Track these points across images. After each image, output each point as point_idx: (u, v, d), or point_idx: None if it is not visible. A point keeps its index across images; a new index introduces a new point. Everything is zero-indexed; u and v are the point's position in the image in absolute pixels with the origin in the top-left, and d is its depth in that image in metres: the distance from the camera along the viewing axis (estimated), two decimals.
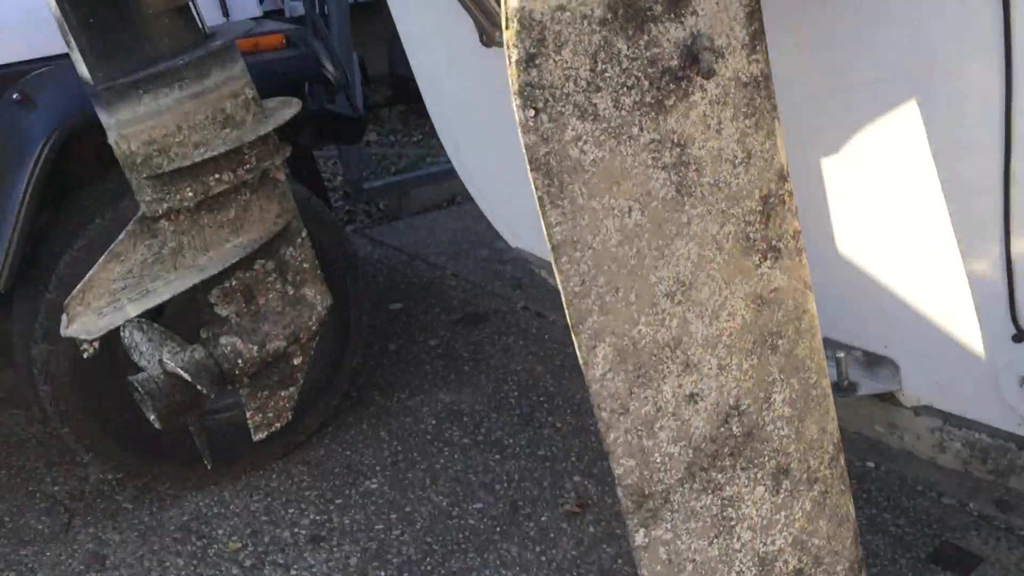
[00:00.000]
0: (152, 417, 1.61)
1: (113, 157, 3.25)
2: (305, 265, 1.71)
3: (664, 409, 1.40)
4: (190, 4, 1.59)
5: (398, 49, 8.70)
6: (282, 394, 1.71)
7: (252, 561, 2.95)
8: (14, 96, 2.74)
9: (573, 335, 1.38)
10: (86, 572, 2.91)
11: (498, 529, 3.00)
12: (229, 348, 1.64)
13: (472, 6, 1.72)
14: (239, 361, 1.65)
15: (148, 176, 1.56)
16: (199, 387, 1.56)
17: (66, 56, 2.94)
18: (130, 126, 1.54)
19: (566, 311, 1.38)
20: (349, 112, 3.71)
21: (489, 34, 1.77)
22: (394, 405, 3.71)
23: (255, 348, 1.65)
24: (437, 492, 3.19)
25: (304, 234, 1.73)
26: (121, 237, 1.56)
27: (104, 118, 1.55)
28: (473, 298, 4.55)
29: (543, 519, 3.03)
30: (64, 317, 1.54)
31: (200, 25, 1.62)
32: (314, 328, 1.71)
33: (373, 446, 3.46)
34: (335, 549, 2.96)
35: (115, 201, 2.86)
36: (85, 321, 1.53)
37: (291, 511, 3.14)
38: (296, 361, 1.72)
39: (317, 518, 3.10)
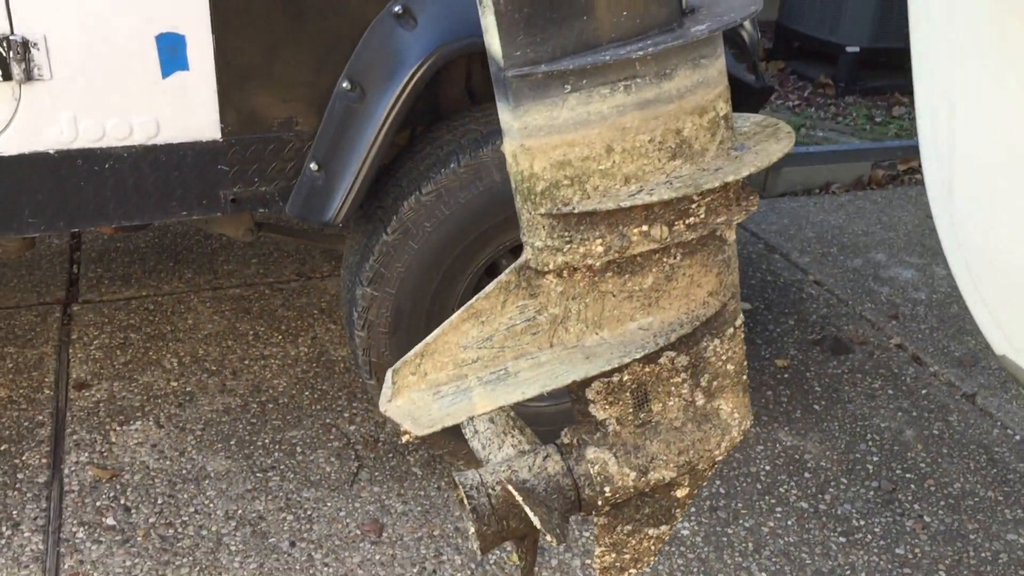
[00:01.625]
0: (472, 531, 1.17)
1: (486, 92, 2.90)
2: (729, 367, 1.16)
3: None
4: None
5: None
6: (649, 533, 1.21)
7: None
8: (395, 9, 2.40)
9: None
10: (361, 540, 2.66)
11: None
12: (597, 467, 1.15)
13: None
14: (606, 488, 1.15)
15: (548, 213, 1.07)
16: (541, 517, 1.09)
17: None
18: (540, 136, 1.04)
19: None
20: (752, 80, 3.08)
21: None
22: None
23: (632, 475, 1.15)
24: (760, 566, 2.62)
25: (739, 323, 1.18)
26: (488, 289, 1.09)
27: (505, 116, 1.07)
28: (836, 318, 3.84)
29: None
30: (389, 385, 1.11)
31: (675, 1, 1.08)
32: (719, 458, 1.19)
33: None
34: None
35: (476, 147, 2.48)
36: (415, 399, 1.08)
37: (585, 535, 2.71)
38: (680, 494, 1.20)
39: None
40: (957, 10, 1.35)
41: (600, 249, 1.06)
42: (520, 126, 1.04)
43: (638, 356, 1.08)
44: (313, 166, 2.49)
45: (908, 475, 2.98)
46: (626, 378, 1.12)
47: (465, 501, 1.16)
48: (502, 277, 1.10)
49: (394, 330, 2.57)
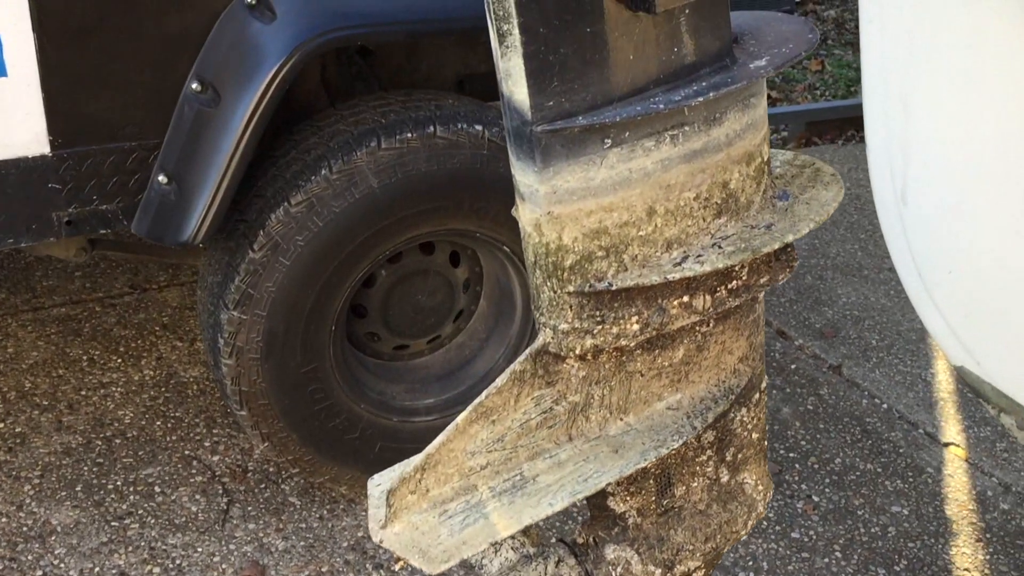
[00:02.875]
0: None
1: (343, 88, 2.66)
2: (754, 436, 1.03)
3: None
4: None
5: None
6: None
7: None
8: (247, 0, 2.13)
9: None
10: None
11: None
12: (619, 569, 0.99)
13: None
14: None
15: (577, 291, 0.89)
16: None
17: None
18: (572, 201, 0.85)
19: None
20: None
21: None
22: None
23: (658, 572, 1.00)
24: None
25: (764, 385, 1.05)
26: (500, 383, 0.90)
27: (527, 178, 0.87)
28: None
29: None
30: (381, 506, 0.91)
31: (729, 30, 0.91)
32: (742, 536, 1.06)
33: None
34: None
35: (348, 151, 2.26)
36: (418, 523, 0.87)
37: None
38: None
39: None
40: (920, 10, 1.27)
41: (636, 328, 0.89)
42: (548, 190, 0.85)
43: (676, 445, 0.93)
44: (162, 178, 2.19)
45: (792, 454, 3.00)
46: (650, 464, 0.97)
47: None
48: (515, 366, 0.91)
49: (267, 356, 2.33)
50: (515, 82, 0.84)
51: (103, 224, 2.21)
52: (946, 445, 3.07)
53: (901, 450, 3.03)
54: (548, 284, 0.91)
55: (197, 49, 2.16)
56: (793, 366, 3.44)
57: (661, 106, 0.84)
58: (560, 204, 0.86)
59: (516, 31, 0.81)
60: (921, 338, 3.59)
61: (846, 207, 4.59)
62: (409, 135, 2.28)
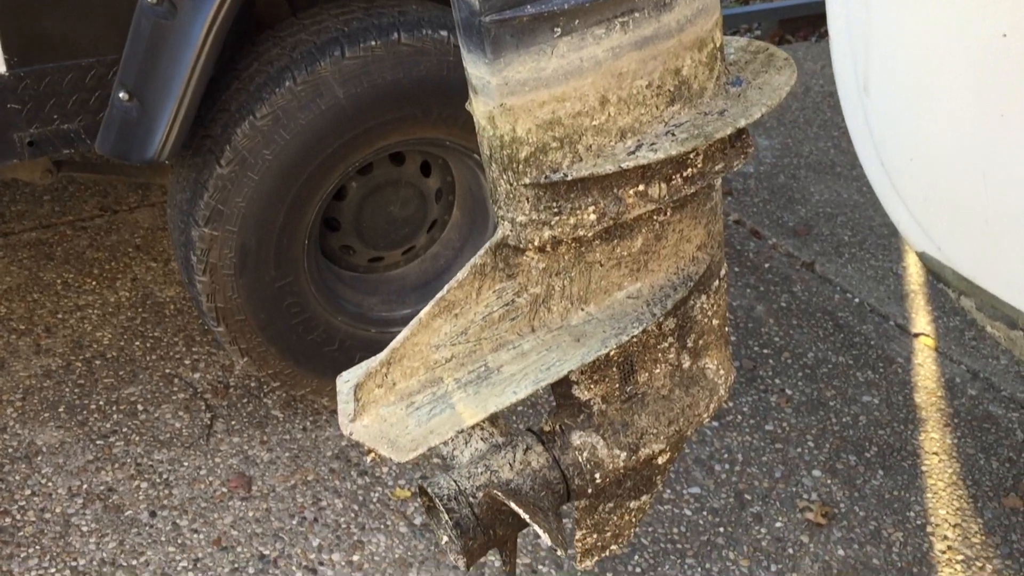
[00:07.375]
0: (454, 555, 1.01)
1: None
2: (715, 322, 1.04)
3: None
4: None
5: None
6: (631, 506, 1.10)
7: (423, 519, 2.46)
8: None
9: None
10: (229, 498, 2.47)
11: (722, 530, 2.44)
12: (586, 453, 1.02)
13: None
14: (596, 474, 1.03)
15: (533, 183, 0.89)
16: (548, 527, 0.95)
17: None
18: (524, 92, 0.84)
19: None
20: None
21: None
22: None
23: (623, 455, 1.03)
24: None
25: (724, 272, 1.06)
26: (461, 276, 0.90)
27: (479, 71, 0.86)
28: None
29: (777, 525, 2.46)
30: (349, 400, 0.92)
31: None
32: (706, 420, 1.09)
33: None
34: None
35: (312, 61, 2.22)
36: (386, 416, 0.89)
37: None
38: (661, 460, 1.09)
39: None
40: None
41: (593, 217, 0.90)
42: (499, 82, 0.85)
43: (636, 332, 0.95)
44: (123, 95, 2.16)
45: (765, 350, 3.05)
46: (612, 352, 0.99)
47: (445, 515, 1.01)
48: (475, 260, 0.92)
49: (241, 271, 2.33)
50: None
51: (66, 144, 2.18)
52: (916, 336, 3.13)
53: (872, 342, 3.09)
54: (504, 177, 0.92)
55: None
56: (767, 265, 3.47)
57: None
58: (512, 95, 0.86)
59: None
60: (892, 233, 3.63)
61: (819, 104, 4.58)
62: (373, 43, 2.25)
